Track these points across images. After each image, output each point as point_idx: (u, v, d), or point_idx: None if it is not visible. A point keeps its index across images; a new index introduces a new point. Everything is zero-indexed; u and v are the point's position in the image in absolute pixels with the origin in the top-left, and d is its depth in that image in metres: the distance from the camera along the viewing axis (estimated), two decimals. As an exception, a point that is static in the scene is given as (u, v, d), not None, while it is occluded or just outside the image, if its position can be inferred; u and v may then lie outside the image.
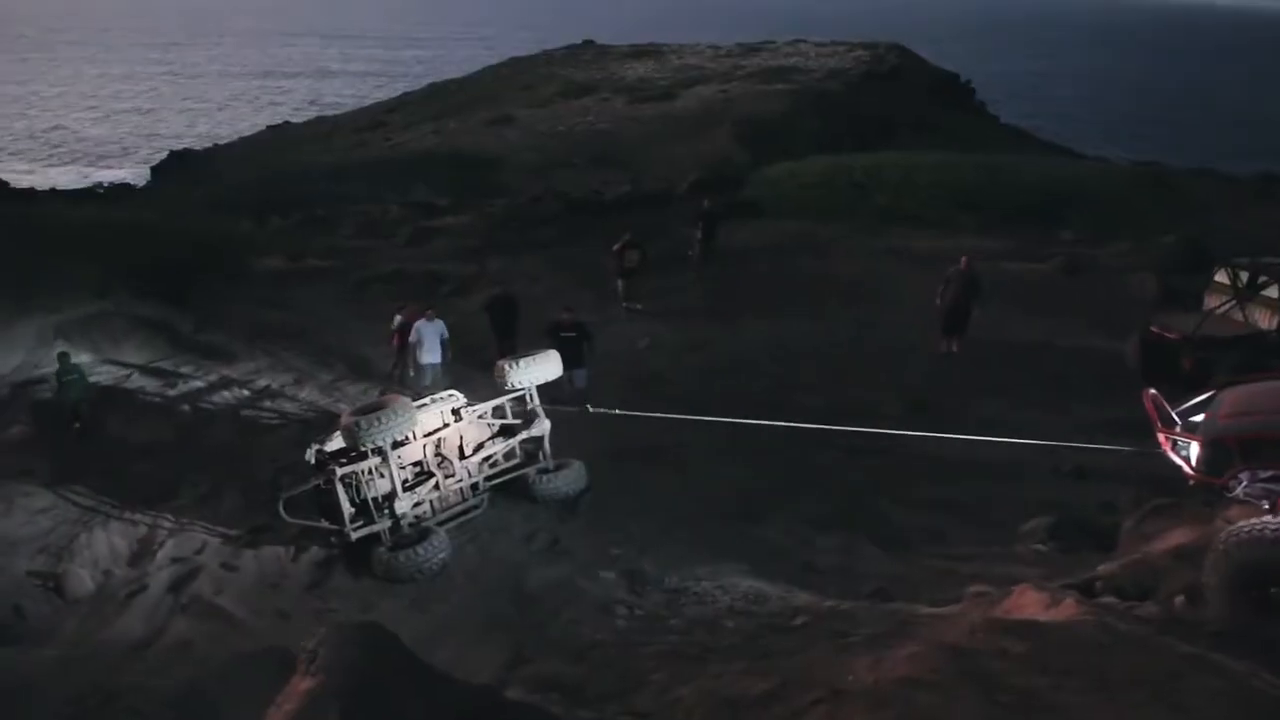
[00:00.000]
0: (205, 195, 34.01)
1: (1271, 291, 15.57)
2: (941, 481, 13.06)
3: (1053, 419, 14.56)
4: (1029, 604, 7.69)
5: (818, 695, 6.48)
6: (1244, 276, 16.03)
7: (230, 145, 54.02)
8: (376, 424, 10.87)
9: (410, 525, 11.34)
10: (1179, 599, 7.66)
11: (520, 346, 15.45)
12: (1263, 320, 15.60)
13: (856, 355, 17.47)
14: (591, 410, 14.25)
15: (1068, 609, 7.32)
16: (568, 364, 14.52)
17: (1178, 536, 9.32)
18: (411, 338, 15.51)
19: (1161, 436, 8.55)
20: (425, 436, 11.94)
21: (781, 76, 46.72)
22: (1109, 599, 8.04)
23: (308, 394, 15.84)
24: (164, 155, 51.94)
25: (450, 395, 12.57)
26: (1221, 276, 16.43)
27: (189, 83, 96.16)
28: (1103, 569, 8.79)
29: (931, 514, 12.34)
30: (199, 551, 11.34)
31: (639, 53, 59.38)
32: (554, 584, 10.70)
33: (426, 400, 12.28)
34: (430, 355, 15.40)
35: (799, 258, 23.25)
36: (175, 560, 11.16)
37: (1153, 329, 16.06)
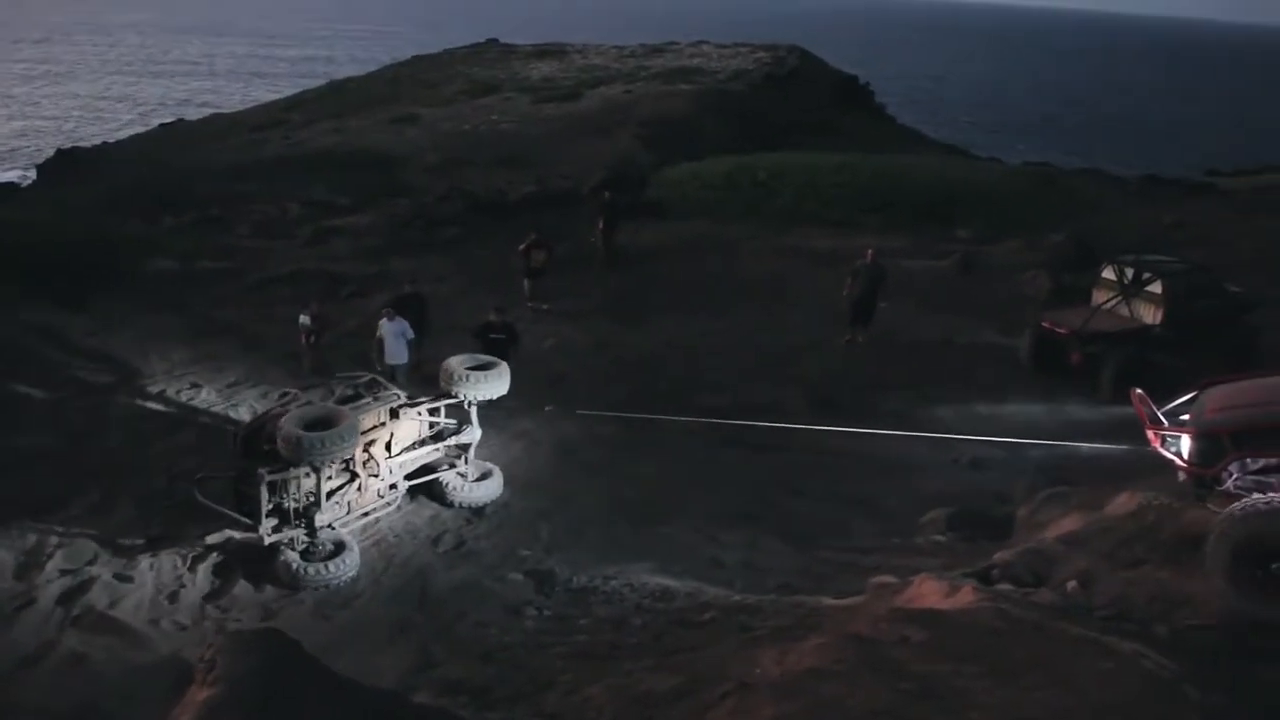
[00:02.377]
0: (95, 195, 32.75)
1: (1155, 288, 16.20)
2: (844, 476, 13.31)
3: (952, 413, 14.95)
4: (929, 593, 7.88)
5: (726, 689, 6.55)
6: (1129, 273, 16.64)
7: (120, 143, 52.11)
8: (319, 446, 10.43)
9: (326, 528, 11.08)
10: (1071, 584, 7.94)
11: (426, 346, 15.30)
12: (1147, 315, 16.23)
13: (762, 353, 17.66)
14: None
15: (966, 597, 7.52)
16: None
17: (1069, 524, 9.66)
18: (379, 336, 15.01)
19: (1150, 433, 8.95)
20: (359, 436, 11.55)
21: (685, 77, 46.85)
22: (1005, 586, 8.29)
23: (204, 399, 15.38)
24: (49, 154, 49.92)
25: (393, 394, 12.26)
26: (1108, 273, 17.03)
27: (67, 80, 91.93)
28: (999, 557, 9.06)
29: (835, 508, 12.56)
30: (91, 562, 10.88)
31: (543, 52, 58.99)
32: (461, 586, 10.63)
33: (368, 399, 11.96)
34: (396, 357, 14.97)
35: (704, 257, 23.41)
36: (65, 572, 10.69)
37: (1043, 324, 16.61)
